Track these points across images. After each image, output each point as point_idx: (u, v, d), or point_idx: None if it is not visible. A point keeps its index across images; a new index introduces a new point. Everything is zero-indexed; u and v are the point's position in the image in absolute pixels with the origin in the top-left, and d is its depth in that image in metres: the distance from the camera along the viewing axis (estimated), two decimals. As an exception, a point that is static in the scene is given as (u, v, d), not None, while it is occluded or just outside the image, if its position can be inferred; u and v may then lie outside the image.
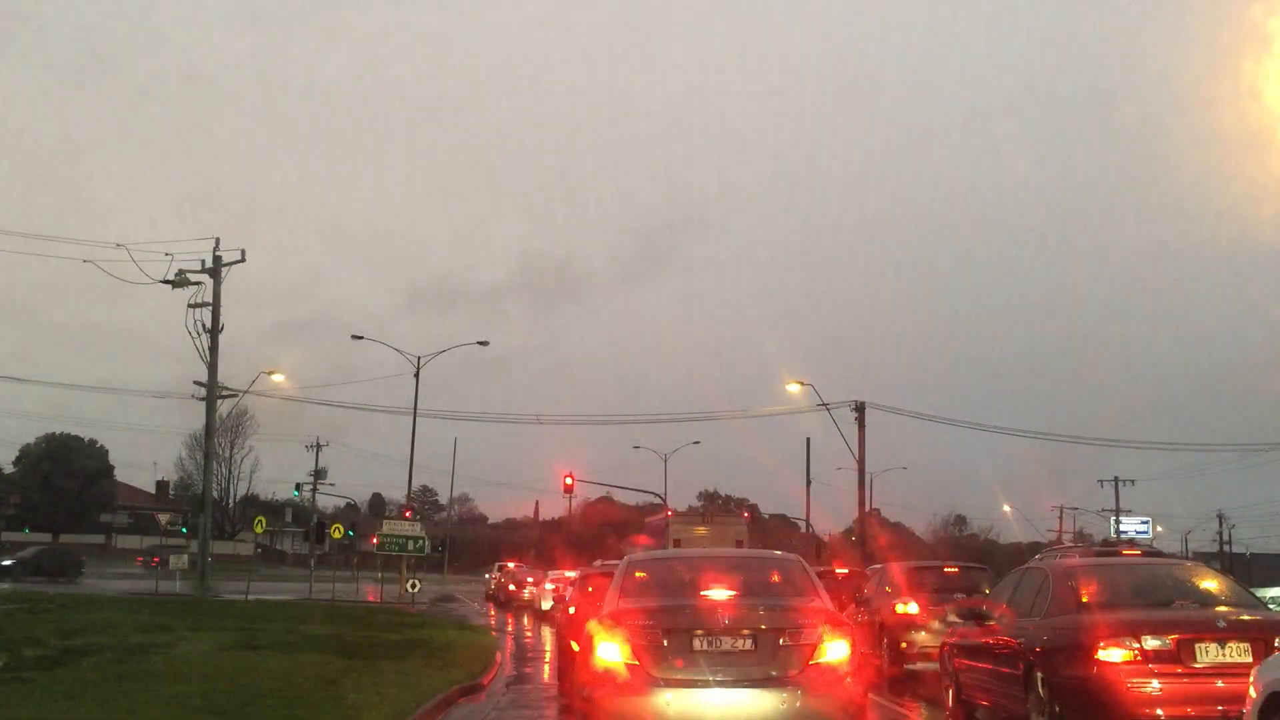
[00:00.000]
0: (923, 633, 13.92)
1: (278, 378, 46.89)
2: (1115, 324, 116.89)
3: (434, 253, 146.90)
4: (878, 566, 19.25)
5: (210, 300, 34.06)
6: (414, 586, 38.39)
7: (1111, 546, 21.21)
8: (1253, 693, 6.57)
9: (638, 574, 8.75)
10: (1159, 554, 18.92)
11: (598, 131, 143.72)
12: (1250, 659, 7.78)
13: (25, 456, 77.50)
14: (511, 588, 40.10)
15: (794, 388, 42.17)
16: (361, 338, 52.10)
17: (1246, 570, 48.34)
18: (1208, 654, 8.04)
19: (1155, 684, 7.91)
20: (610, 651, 7.51)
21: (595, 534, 72.41)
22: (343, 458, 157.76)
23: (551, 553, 56.61)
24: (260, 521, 51.42)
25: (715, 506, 76.37)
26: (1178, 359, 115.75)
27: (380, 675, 12.67)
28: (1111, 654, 8.06)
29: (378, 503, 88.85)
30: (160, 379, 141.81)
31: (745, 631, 7.49)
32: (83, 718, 9.05)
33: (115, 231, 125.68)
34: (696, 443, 62.46)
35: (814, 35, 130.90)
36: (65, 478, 75.04)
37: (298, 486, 65.23)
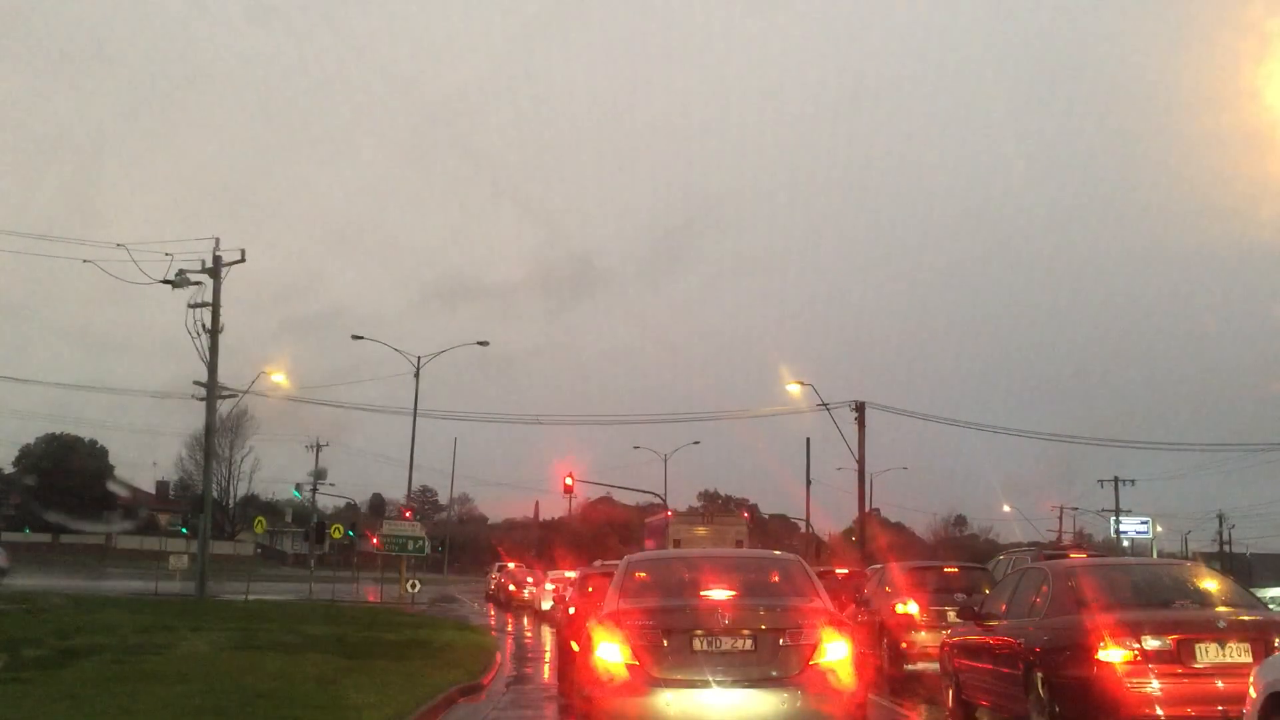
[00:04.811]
0: (923, 633, 13.92)
1: (278, 378, 46.83)
2: (1115, 324, 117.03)
3: (438, 252, 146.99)
4: (878, 566, 19.27)
5: (210, 300, 34.05)
6: (414, 586, 38.41)
7: (1060, 550, 21.94)
8: (1253, 693, 6.57)
9: (638, 574, 8.75)
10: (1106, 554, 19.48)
11: (605, 133, 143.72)
12: (1250, 659, 7.79)
13: (25, 456, 77.45)
14: (511, 588, 40.14)
15: (794, 388, 42.16)
16: (361, 338, 51.83)
17: (1246, 570, 48.26)
18: (1208, 654, 8.04)
19: (1155, 684, 7.91)
20: (610, 652, 7.51)
21: (595, 534, 72.44)
22: (343, 458, 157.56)
23: (552, 553, 56.58)
24: (260, 522, 51.45)
25: (715, 506, 76.29)
26: (1178, 359, 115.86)
27: (380, 675, 12.68)
28: (1111, 654, 8.06)
29: (378, 503, 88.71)
30: (160, 379, 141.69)
31: (745, 632, 7.49)
32: (82, 718, 9.04)
33: (115, 231, 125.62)
34: (696, 443, 62.41)
35: (817, 39, 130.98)
36: (65, 478, 75.00)
37: (298, 487, 65.08)
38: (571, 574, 23.96)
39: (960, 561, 20.59)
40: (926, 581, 15.23)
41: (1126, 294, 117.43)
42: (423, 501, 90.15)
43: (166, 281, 33.28)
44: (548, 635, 24.35)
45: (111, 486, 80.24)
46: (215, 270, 34.07)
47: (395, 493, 70.23)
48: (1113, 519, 64.10)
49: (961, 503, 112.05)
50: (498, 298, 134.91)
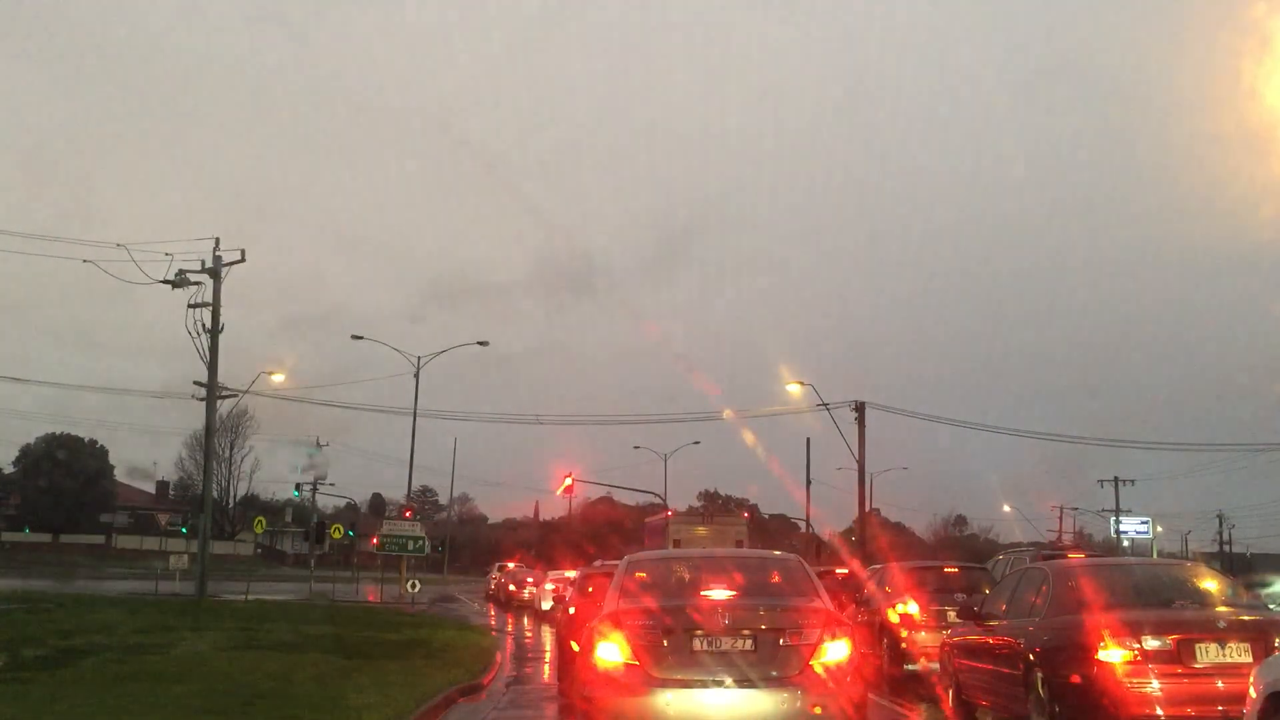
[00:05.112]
0: (923, 633, 13.91)
1: (278, 378, 46.81)
2: (1115, 324, 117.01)
3: (439, 253, 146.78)
4: (878, 566, 19.27)
5: (210, 300, 34.01)
6: (414, 586, 38.39)
7: (1059, 550, 22.22)
8: (1253, 693, 6.57)
9: (638, 574, 8.75)
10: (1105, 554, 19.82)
11: (605, 133, 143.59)
12: (1250, 659, 7.79)
13: (25, 456, 77.40)
14: (511, 588, 40.14)
15: (794, 388, 42.14)
16: (361, 338, 51.77)
17: (1247, 570, 48.32)
18: (1208, 654, 8.04)
19: (1155, 684, 7.91)
20: (610, 651, 7.51)
21: (595, 534, 72.36)
22: (343, 458, 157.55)
23: (552, 553, 56.59)
24: (260, 522, 51.40)
25: (715, 506, 76.27)
26: (1178, 359, 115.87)
27: (380, 675, 12.68)
28: (1111, 654, 8.06)
29: (378, 503, 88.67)
30: (160, 379, 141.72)
31: (745, 632, 7.49)
32: (82, 718, 9.04)
33: (115, 231, 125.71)
34: (696, 443, 62.42)
35: (817, 39, 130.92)
36: (65, 478, 74.97)
37: (298, 487, 65.17)
38: (571, 574, 23.96)
39: (960, 561, 20.59)
40: (926, 581, 15.22)
41: (1126, 294, 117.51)
42: (423, 501, 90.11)
43: (166, 281, 33.24)
44: (548, 635, 24.34)
45: (111, 487, 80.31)
46: (215, 270, 34.01)
47: (395, 493, 70.27)
48: (1113, 519, 64.07)
49: (961, 503, 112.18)
50: (498, 298, 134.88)
